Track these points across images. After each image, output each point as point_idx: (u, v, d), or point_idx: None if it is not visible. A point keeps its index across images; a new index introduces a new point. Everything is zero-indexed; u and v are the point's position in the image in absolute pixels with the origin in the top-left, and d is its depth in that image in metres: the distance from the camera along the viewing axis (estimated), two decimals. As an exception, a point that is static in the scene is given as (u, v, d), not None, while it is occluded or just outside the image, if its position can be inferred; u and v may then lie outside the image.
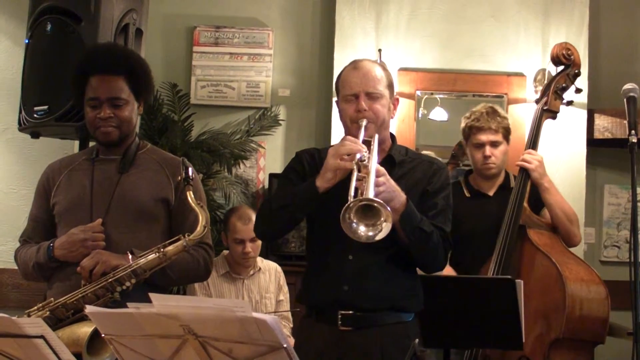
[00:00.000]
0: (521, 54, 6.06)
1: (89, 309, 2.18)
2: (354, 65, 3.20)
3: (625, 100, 3.42)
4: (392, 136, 3.29)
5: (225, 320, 1.99)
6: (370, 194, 2.76)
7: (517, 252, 4.11)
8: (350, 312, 3.06)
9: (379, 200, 2.74)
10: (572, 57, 4.44)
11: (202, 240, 3.31)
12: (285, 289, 4.92)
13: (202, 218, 3.19)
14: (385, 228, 2.75)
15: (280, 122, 6.20)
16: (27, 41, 4.31)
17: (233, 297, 4.72)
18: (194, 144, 5.91)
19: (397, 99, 3.27)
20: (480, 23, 6.15)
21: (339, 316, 3.06)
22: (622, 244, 6.34)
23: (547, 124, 4.47)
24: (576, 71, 4.46)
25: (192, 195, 3.20)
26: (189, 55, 6.25)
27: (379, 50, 5.88)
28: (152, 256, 3.13)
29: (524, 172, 4.24)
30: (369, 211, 2.76)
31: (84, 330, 3.01)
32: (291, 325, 4.87)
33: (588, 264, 4.19)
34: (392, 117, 3.23)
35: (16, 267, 3.48)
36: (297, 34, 6.32)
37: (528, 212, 4.23)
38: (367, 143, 3.04)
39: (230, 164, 5.92)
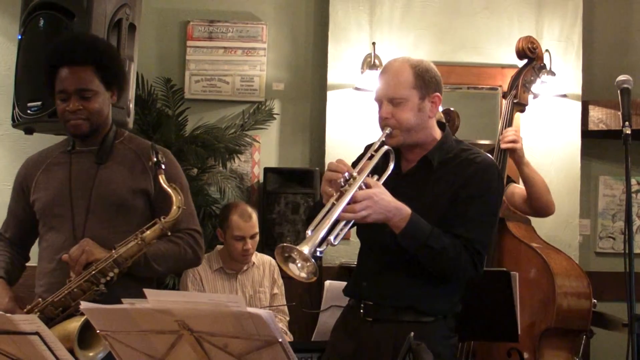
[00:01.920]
0: (515, 46, 6.06)
1: (83, 305, 2.18)
2: (384, 67, 3.14)
3: (619, 91, 3.41)
4: (444, 131, 3.16)
5: (220, 315, 1.98)
6: (325, 225, 2.73)
7: (497, 244, 4.13)
8: (371, 302, 3.09)
9: (308, 255, 2.67)
10: (536, 50, 4.49)
11: (188, 226, 3.32)
12: (280, 282, 4.91)
13: (176, 199, 3.17)
14: (305, 276, 2.73)
15: (275, 116, 6.19)
16: (20, 37, 4.31)
17: (227, 293, 4.72)
18: (189, 138, 5.90)
19: (437, 96, 3.08)
20: (474, 15, 6.15)
21: (362, 305, 3.11)
22: (617, 235, 6.35)
23: (524, 117, 4.51)
24: (541, 64, 4.52)
25: (164, 178, 3.18)
26: (182, 50, 6.23)
27: (373, 44, 5.88)
28: (131, 244, 3.12)
29: (504, 150, 4.26)
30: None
31: (74, 325, 3.01)
32: (287, 319, 4.87)
33: (566, 254, 4.24)
34: (430, 117, 3.08)
35: None
36: (291, 28, 6.31)
37: (505, 205, 4.25)
38: (387, 152, 3.01)
39: (224, 158, 5.91)
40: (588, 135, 6.11)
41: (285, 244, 2.74)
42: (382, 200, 2.85)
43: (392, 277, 3.06)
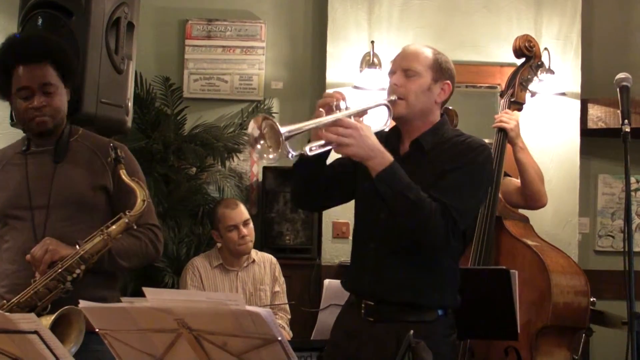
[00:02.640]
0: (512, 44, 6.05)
1: (82, 304, 2.17)
2: (407, 45, 3.23)
3: (618, 89, 3.41)
4: (442, 117, 3.18)
5: (219, 314, 1.98)
6: (306, 124, 2.79)
7: (494, 242, 4.13)
8: (372, 303, 3.07)
9: (283, 135, 2.70)
10: (533, 48, 4.48)
11: (147, 221, 3.31)
12: (282, 280, 4.92)
13: (140, 193, 3.17)
14: (266, 158, 2.77)
15: (274, 114, 6.19)
16: (18, 36, 4.29)
17: (227, 290, 4.73)
18: (187, 137, 5.90)
19: (449, 85, 3.15)
20: (472, 14, 6.14)
21: (363, 305, 3.09)
22: (616, 234, 6.35)
23: (522, 116, 4.50)
24: (538, 62, 4.52)
25: (125, 173, 3.18)
26: (181, 49, 6.23)
27: (372, 42, 5.87)
28: (97, 239, 3.10)
29: (501, 133, 4.28)
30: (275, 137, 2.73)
31: (44, 324, 3.00)
32: (289, 317, 4.88)
33: (563, 252, 4.24)
34: (437, 101, 3.13)
35: None
36: (289, 26, 6.31)
37: (502, 204, 4.26)
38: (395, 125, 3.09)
39: (223, 157, 5.91)
40: (587, 134, 6.10)
41: (266, 115, 2.79)
42: (367, 137, 2.85)
43: (393, 270, 3.04)
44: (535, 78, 4.54)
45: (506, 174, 4.46)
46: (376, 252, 3.10)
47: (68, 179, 3.27)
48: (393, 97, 3.05)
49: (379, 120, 3.08)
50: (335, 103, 2.88)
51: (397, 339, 2.95)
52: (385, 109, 3.06)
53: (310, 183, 3.16)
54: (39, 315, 3.03)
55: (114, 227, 3.13)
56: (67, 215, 3.23)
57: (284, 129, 2.68)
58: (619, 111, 3.39)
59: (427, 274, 3.04)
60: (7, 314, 2.25)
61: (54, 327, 2.94)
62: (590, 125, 6.08)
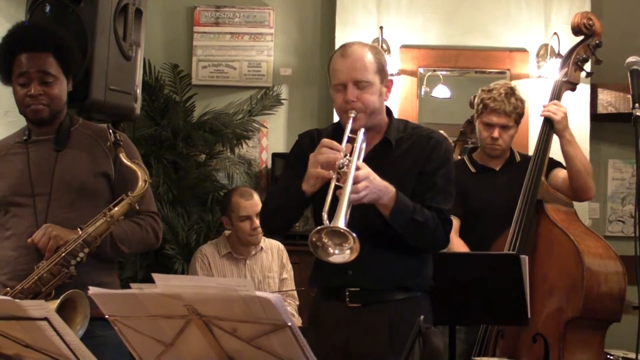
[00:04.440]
0: (523, 29, 6.04)
1: (92, 290, 2.17)
2: (342, 51, 3.10)
3: (629, 73, 3.37)
4: (389, 113, 3.20)
5: (229, 300, 1.98)
6: (343, 209, 2.71)
7: (533, 227, 4.06)
8: (357, 289, 3.05)
9: (346, 229, 2.67)
10: (593, 27, 4.32)
11: (147, 208, 3.34)
12: (289, 266, 4.91)
13: (141, 174, 3.18)
14: (349, 254, 2.72)
15: (283, 101, 6.19)
16: (26, 24, 4.29)
17: (235, 278, 4.73)
18: (196, 124, 5.90)
19: (391, 81, 3.15)
20: (482, -1, 6.13)
21: (347, 293, 3.06)
22: (626, 219, 6.34)
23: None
24: (597, 41, 4.34)
25: (125, 155, 3.19)
26: (189, 36, 6.23)
27: (381, 28, 5.86)
28: (100, 222, 3.11)
29: (548, 124, 4.18)
30: (338, 234, 2.71)
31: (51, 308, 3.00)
32: (297, 303, 4.88)
33: (606, 242, 4.14)
34: (385, 100, 3.14)
35: None
36: (298, 12, 6.30)
37: (545, 187, 4.17)
38: (353, 139, 2.98)
39: (232, 144, 5.92)
40: (597, 119, 6.08)
41: (317, 229, 2.72)
42: (376, 179, 2.86)
43: (378, 260, 3.03)
44: (591, 58, 4.40)
45: (555, 164, 4.36)
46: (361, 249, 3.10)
47: (69, 166, 3.28)
48: (352, 114, 3.00)
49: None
50: (340, 160, 2.85)
51: (388, 319, 2.99)
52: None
53: (298, 215, 3.18)
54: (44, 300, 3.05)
55: (116, 208, 3.14)
56: (69, 202, 3.24)
57: (340, 223, 2.68)
58: (629, 96, 3.36)
59: (408, 262, 3.07)
60: (17, 300, 2.25)
61: (59, 312, 2.95)
62: (600, 110, 6.06)
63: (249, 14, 6.22)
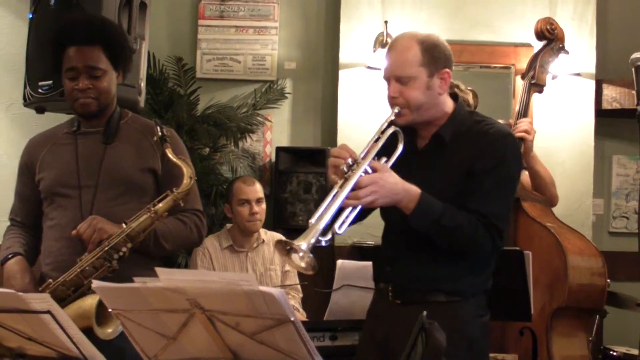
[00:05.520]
0: (528, 24, 6.00)
1: (95, 284, 2.18)
2: (390, 45, 3.07)
3: (633, 69, 3.39)
4: (457, 104, 3.09)
5: (232, 294, 1.98)
6: (328, 212, 2.74)
7: (511, 224, 4.11)
8: (398, 286, 3.08)
9: (287, 240, 2.69)
10: (555, 31, 4.47)
11: (193, 206, 3.34)
12: (292, 259, 4.91)
13: (186, 170, 3.18)
14: (303, 263, 2.69)
15: (287, 95, 6.18)
16: (30, 16, 4.29)
17: (237, 271, 4.73)
18: (200, 118, 5.89)
19: (447, 72, 3.00)
20: (487, -7, 6.12)
21: (390, 288, 3.09)
22: (630, 215, 6.32)
23: (538, 96, 4.49)
24: (560, 45, 4.50)
25: (171, 151, 3.19)
26: (194, 29, 6.21)
27: (385, 22, 5.84)
28: (144, 217, 3.11)
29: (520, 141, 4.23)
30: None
31: (89, 302, 3.00)
32: (300, 296, 4.88)
33: (581, 234, 4.22)
34: (440, 93, 3.01)
35: None
36: (302, 6, 6.28)
37: (522, 185, 4.24)
38: (395, 133, 2.97)
39: (236, 137, 5.91)
40: (602, 114, 6.07)
41: (283, 240, 2.74)
42: (387, 184, 2.83)
43: (413, 260, 3.03)
44: (556, 60, 4.51)
45: None
46: (396, 245, 3.12)
47: (117, 160, 3.29)
48: (396, 110, 2.98)
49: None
50: (343, 165, 2.83)
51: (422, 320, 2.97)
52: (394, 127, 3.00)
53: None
54: (84, 294, 3.07)
55: (160, 204, 3.14)
56: (114, 196, 3.25)
57: (304, 244, 2.66)
58: (634, 91, 3.37)
59: (448, 264, 2.99)
60: (20, 293, 2.25)
61: (100, 307, 2.95)
62: (605, 105, 6.05)
63: (253, 8, 6.20)
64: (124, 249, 3.09)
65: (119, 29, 3.48)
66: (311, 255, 2.65)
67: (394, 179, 2.85)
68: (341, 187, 2.79)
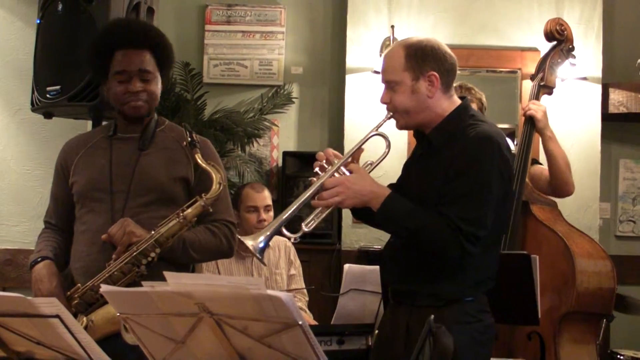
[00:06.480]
0: (535, 28, 6.02)
1: (103, 288, 2.18)
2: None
3: (640, 73, 3.39)
4: (458, 106, 3.03)
5: (240, 298, 1.98)
6: (282, 217, 2.93)
7: (520, 228, 4.11)
8: (395, 287, 3.12)
9: (244, 241, 2.86)
10: (565, 32, 4.44)
11: (225, 217, 3.34)
12: (297, 263, 4.90)
13: (215, 176, 3.17)
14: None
15: (294, 99, 6.19)
16: (38, 21, 4.30)
17: (242, 276, 4.73)
18: (207, 122, 5.91)
19: (434, 75, 2.94)
20: (493, -2, 6.12)
21: (389, 289, 3.15)
22: (637, 219, 6.32)
23: (545, 100, 4.46)
24: (570, 46, 4.46)
25: (201, 157, 3.20)
26: (201, 34, 6.23)
27: (392, 27, 5.85)
28: (172, 222, 3.12)
29: (529, 123, 4.26)
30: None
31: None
32: (307, 299, 4.87)
33: (590, 237, 4.21)
34: (430, 97, 2.96)
35: (31, 248, 3.48)
36: (309, 11, 6.30)
37: (530, 188, 4.24)
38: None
39: (243, 142, 5.93)
40: (608, 118, 6.06)
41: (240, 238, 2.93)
42: (355, 185, 2.90)
43: (406, 260, 3.03)
44: (566, 62, 4.49)
45: (536, 162, 4.44)
46: (391, 245, 3.16)
47: (150, 168, 3.28)
48: (388, 115, 3.04)
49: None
50: (323, 162, 3.00)
51: (407, 322, 2.99)
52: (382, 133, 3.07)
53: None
54: None
55: (189, 210, 3.14)
56: (145, 203, 3.25)
57: (250, 242, 2.86)
58: (640, 95, 3.37)
59: (438, 266, 2.94)
60: (29, 298, 2.26)
61: None
62: (612, 109, 6.04)
63: (260, 13, 6.22)
64: (152, 254, 3.10)
65: (163, 34, 3.50)
66: (258, 255, 2.86)
67: (363, 180, 2.92)
68: (306, 189, 2.93)
